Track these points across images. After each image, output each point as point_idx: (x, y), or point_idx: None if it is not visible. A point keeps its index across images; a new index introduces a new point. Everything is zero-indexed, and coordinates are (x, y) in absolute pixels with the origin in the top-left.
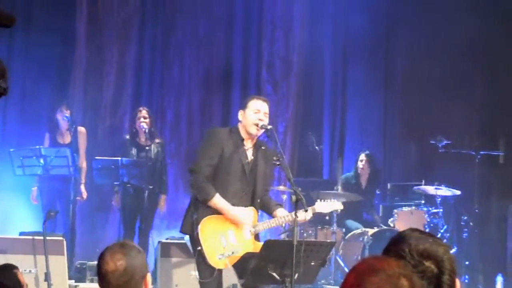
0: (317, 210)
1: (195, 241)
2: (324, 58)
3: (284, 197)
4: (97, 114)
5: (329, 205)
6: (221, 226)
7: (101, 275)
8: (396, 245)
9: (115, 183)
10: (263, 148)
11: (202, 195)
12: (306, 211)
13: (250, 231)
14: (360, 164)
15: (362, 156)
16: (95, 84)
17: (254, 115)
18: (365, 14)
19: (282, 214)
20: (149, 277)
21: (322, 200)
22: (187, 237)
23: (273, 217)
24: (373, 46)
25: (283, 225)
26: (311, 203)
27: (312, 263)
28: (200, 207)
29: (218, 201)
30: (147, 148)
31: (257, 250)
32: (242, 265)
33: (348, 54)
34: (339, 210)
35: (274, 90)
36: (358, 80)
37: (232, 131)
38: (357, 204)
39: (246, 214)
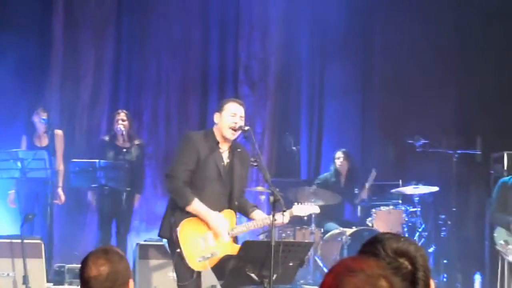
0: (295, 213)
1: (174, 243)
2: (301, 59)
3: (263, 197)
4: (74, 116)
5: (306, 209)
6: (199, 229)
7: (84, 280)
8: (370, 245)
9: (93, 185)
10: (239, 150)
11: (181, 201)
12: (284, 211)
13: (228, 233)
14: (338, 162)
15: (339, 154)
16: (72, 85)
17: (231, 118)
18: (343, 14)
19: (259, 217)
20: (131, 283)
21: (300, 203)
22: (165, 240)
23: (250, 218)
24: (351, 46)
25: (262, 227)
26: (289, 203)
27: (290, 264)
28: (177, 211)
29: (197, 206)
30: (124, 150)
31: (235, 252)
32: (221, 267)
33: (325, 54)
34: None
35: (251, 90)
36: (335, 80)
37: (207, 134)
38: (336, 206)
39: (224, 223)
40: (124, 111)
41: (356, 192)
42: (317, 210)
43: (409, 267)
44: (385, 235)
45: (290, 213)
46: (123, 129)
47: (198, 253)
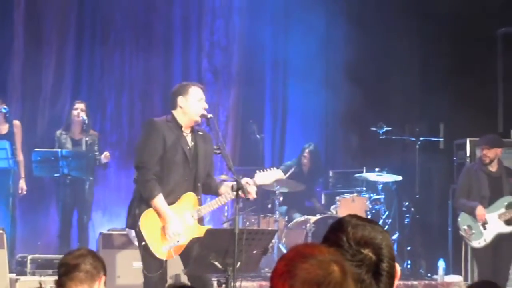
0: (258, 183)
1: (138, 236)
2: (265, 47)
3: None
4: (36, 107)
5: (269, 175)
6: (161, 218)
7: (61, 263)
8: (334, 233)
9: (55, 175)
10: (200, 133)
11: (146, 193)
12: (247, 199)
13: (192, 216)
14: (303, 159)
15: (306, 152)
16: (34, 77)
17: (198, 103)
18: (307, 1)
19: (226, 190)
20: (103, 280)
21: (261, 171)
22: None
23: (219, 195)
24: (314, 34)
25: (226, 203)
26: None
27: (254, 252)
28: (142, 202)
29: (159, 203)
30: (79, 140)
31: (202, 234)
32: (187, 254)
33: (289, 42)
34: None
35: (215, 79)
36: (299, 68)
37: (168, 120)
38: (299, 194)
39: (178, 228)
40: (84, 102)
41: (320, 180)
42: (281, 174)
43: (373, 257)
44: (351, 220)
45: (254, 184)
46: (85, 117)
47: (163, 242)
